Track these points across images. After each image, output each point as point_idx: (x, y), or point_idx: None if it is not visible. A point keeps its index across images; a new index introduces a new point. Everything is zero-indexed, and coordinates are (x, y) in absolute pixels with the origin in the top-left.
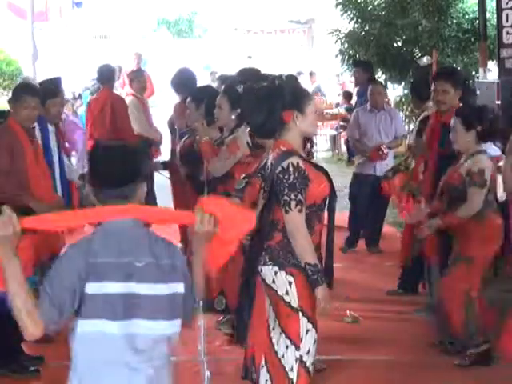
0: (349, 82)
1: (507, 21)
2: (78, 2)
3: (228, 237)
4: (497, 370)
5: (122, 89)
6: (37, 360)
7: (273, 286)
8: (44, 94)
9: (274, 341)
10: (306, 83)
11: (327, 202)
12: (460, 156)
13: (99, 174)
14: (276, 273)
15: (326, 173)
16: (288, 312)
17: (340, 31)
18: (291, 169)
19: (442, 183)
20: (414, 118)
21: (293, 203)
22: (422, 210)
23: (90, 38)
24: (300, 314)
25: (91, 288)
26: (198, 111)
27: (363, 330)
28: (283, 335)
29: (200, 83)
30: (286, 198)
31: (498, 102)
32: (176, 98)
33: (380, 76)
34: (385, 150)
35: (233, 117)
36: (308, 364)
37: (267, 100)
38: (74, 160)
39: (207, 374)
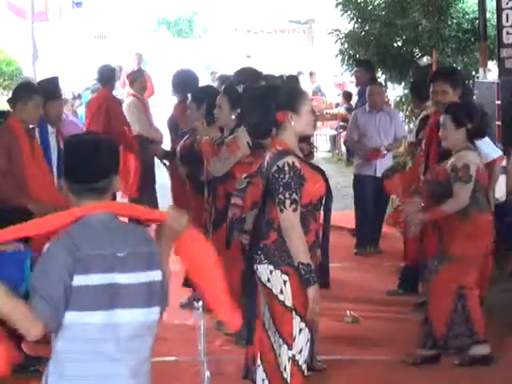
0: (349, 82)
1: (507, 21)
2: (78, 2)
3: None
4: (497, 370)
5: (123, 88)
6: (37, 360)
7: (268, 284)
8: (44, 95)
9: (270, 340)
10: (305, 83)
11: (323, 202)
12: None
13: (74, 170)
14: (271, 271)
15: (322, 172)
16: (282, 311)
17: (340, 31)
18: (286, 168)
19: (423, 180)
20: (413, 118)
21: (287, 202)
22: (416, 202)
23: (90, 37)
24: (293, 313)
25: (77, 280)
26: (199, 111)
27: (363, 329)
28: (277, 334)
29: (200, 83)
30: (280, 196)
31: (498, 102)
32: (176, 98)
33: (380, 76)
34: (384, 152)
35: (233, 117)
36: (301, 363)
37: (262, 100)
38: None
39: (207, 373)
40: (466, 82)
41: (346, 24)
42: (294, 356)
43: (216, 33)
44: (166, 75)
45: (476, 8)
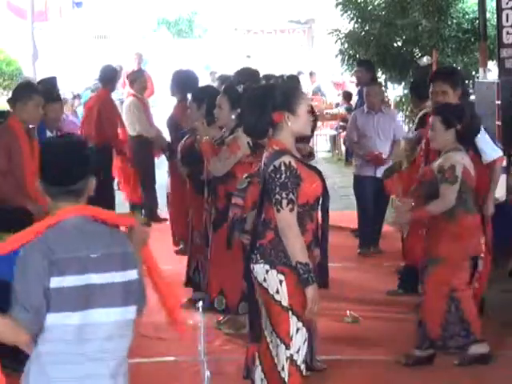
0: (349, 82)
1: (507, 21)
2: (78, 2)
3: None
4: (497, 370)
5: (123, 88)
6: None
7: (264, 284)
8: (43, 96)
9: (267, 340)
10: (305, 83)
11: (320, 202)
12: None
13: (50, 173)
14: (267, 271)
15: (318, 172)
16: (278, 311)
17: (340, 31)
18: (283, 168)
19: (416, 182)
20: (413, 118)
21: (284, 202)
22: (407, 202)
23: (90, 37)
24: (290, 312)
25: (54, 283)
26: (200, 111)
27: (363, 329)
28: (274, 334)
29: (200, 83)
30: (277, 196)
31: (498, 102)
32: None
33: (380, 76)
34: (385, 157)
35: (233, 117)
36: (299, 362)
37: (258, 101)
38: None
39: (207, 373)
40: (466, 82)
41: (346, 24)
42: (291, 356)
43: (216, 33)
44: (166, 75)
45: (476, 8)
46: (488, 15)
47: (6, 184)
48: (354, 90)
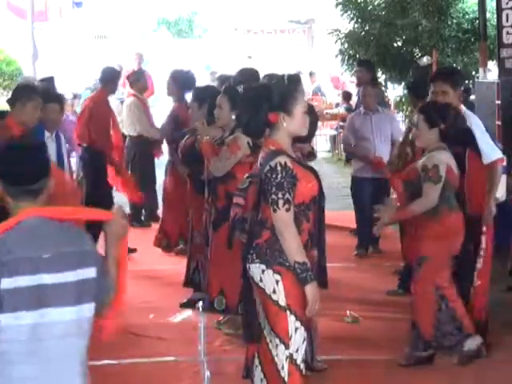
0: (349, 81)
1: (507, 21)
2: (78, 2)
3: None
4: (497, 370)
5: (124, 88)
6: None
7: (260, 284)
8: (42, 97)
9: (267, 340)
10: (305, 83)
11: (316, 202)
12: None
13: (8, 173)
14: (263, 271)
15: (314, 172)
16: (276, 310)
17: (340, 31)
18: (279, 168)
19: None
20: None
21: (280, 202)
22: (391, 201)
23: (90, 37)
24: (288, 312)
25: (4, 284)
26: (201, 111)
27: (363, 329)
28: (272, 334)
29: (200, 83)
30: (273, 196)
31: (498, 102)
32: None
33: (380, 76)
34: (384, 159)
35: (233, 117)
36: (298, 362)
37: (253, 101)
38: (73, 160)
39: (207, 373)
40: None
41: (346, 24)
42: (291, 355)
43: (216, 33)
44: (166, 75)
45: (476, 8)
46: (488, 15)
47: None
48: (354, 90)
